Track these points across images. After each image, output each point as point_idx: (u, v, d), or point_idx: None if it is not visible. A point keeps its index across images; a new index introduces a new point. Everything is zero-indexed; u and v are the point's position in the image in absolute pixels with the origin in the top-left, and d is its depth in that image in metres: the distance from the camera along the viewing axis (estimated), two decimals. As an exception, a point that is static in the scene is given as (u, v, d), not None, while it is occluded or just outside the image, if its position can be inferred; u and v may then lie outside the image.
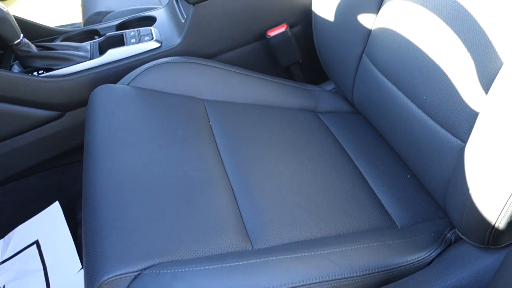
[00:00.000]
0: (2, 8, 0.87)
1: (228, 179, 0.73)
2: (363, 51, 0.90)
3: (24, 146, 0.97)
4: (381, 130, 0.91)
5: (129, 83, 0.89)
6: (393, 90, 0.82)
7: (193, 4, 0.95)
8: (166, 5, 1.14)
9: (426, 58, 0.73)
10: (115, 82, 0.94)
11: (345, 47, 0.93)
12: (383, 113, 0.88)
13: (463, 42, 0.66)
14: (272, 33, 1.02)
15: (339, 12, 0.92)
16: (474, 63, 0.65)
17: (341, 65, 0.97)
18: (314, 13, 0.98)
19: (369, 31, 0.87)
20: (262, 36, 1.03)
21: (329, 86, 1.10)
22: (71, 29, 1.13)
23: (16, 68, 0.96)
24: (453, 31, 0.68)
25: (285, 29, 1.02)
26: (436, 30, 0.71)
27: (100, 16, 1.22)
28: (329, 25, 0.95)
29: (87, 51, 0.99)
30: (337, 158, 0.86)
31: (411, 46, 0.76)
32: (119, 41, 1.01)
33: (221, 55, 1.02)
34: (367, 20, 0.87)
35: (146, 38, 1.00)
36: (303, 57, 1.08)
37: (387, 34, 0.82)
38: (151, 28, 1.04)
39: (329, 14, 0.94)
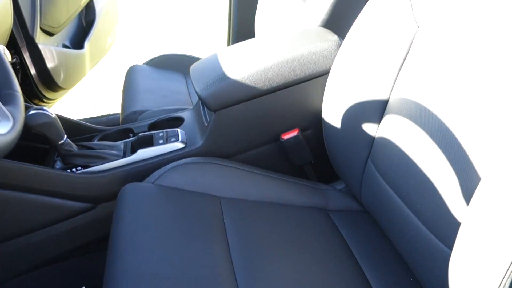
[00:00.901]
0: (50, 115, 1.01)
1: (235, 277, 0.80)
2: (368, 156, 0.98)
3: (58, 234, 1.07)
4: (385, 230, 0.97)
5: (154, 181, 0.99)
6: (393, 195, 0.89)
7: (214, 111, 1.07)
8: (193, 107, 1.27)
9: (418, 170, 0.80)
10: (143, 178, 1.04)
11: (352, 151, 1.02)
12: (385, 214, 0.94)
13: (448, 159, 0.74)
14: (286, 136, 1.12)
15: (345, 119, 1.02)
16: (457, 178, 0.72)
17: (349, 167, 1.05)
18: (324, 119, 1.08)
19: (373, 138, 0.96)
20: (276, 139, 1.13)
21: (340, 185, 1.17)
22: (109, 127, 1.27)
23: (58, 164, 1.09)
24: (440, 149, 0.75)
25: (297, 133, 1.12)
26: (426, 146, 0.79)
27: (136, 114, 1.36)
28: (337, 131, 1.05)
29: (120, 150, 1.12)
30: (342, 259, 0.91)
31: (407, 157, 0.84)
32: (148, 141, 1.13)
33: (238, 155, 1.13)
34: (370, 128, 0.95)
35: (172, 139, 1.12)
36: (315, 158, 1.17)
37: (388, 144, 0.90)
38: (178, 129, 1.16)
39: (337, 120, 1.03)
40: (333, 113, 1.05)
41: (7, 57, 1.11)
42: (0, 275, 1.10)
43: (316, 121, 1.13)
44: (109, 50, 2.51)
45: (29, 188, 1.01)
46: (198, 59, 1.77)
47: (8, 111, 0.71)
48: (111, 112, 2.67)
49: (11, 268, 1.09)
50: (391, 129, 0.90)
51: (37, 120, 0.98)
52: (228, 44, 1.90)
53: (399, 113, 0.88)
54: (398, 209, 0.87)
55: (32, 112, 0.98)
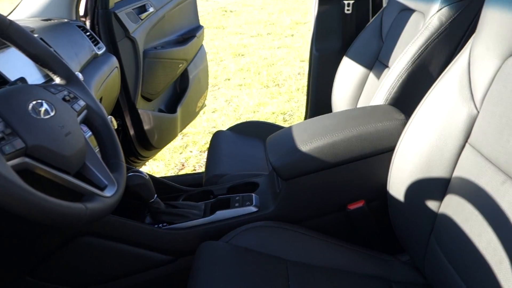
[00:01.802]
0: (145, 177, 1.18)
1: None
2: (431, 232, 1.02)
3: (141, 283, 1.20)
4: None
5: (228, 241, 1.10)
6: (454, 274, 0.91)
7: (285, 180, 1.18)
8: (268, 174, 1.39)
9: (480, 252, 0.83)
10: (219, 237, 1.16)
11: (415, 226, 1.06)
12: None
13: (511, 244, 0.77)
14: (352, 206, 1.19)
15: (409, 194, 1.07)
16: None
17: (413, 241, 1.09)
18: (389, 193, 1.14)
19: (435, 215, 1.00)
20: (343, 208, 1.20)
21: (404, 257, 1.20)
22: (193, 189, 1.42)
23: (148, 219, 1.25)
24: (504, 233, 0.79)
25: (363, 204, 1.18)
26: (488, 229, 0.82)
27: (217, 178, 1.51)
28: (402, 205, 1.10)
29: (201, 210, 1.25)
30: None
31: (468, 238, 0.87)
32: (226, 204, 1.25)
33: (306, 221, 1.21)
34: (433, 205, 1.00)
35: (247, 203, 1.24)
36: (380, 228, 1.22)
37: (450, 222, 0.94)
38: (253, 194, 1.28)
39: (402, 195, 1.09)
40: (397, 188, 1.11)
41: (114, 125, 1.31)
42: None
43: (381, 194, 1.19)
44: (198, 114, 2.75)
45: (121, 239, 1.16)
46: (277, 126, 1.91)
47: (114, 177, 0.86)
48: (197, 171, 2.88)
49: None
50: (453, 208, 0.94)
51: (134, 181, 1.15)
52: (306, 118, 2.03)
53: (460, 193, 0.92)
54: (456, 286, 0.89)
55: (130, 174, 1.15)
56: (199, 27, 2.61)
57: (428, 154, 1.02)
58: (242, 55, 5.69)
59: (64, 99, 0.86)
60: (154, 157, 2.92)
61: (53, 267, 1.17)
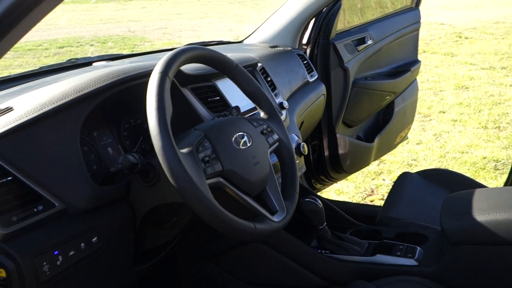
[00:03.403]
0: (319, 205, 1.31)
1: None
2: None
3: None
4: None
5: (380, 286, 1.16)
6: None
7: (452, 244, 1.16)
8: (440, 231, 1.37)
9: None
10: (371, 279, 1.21)
11: None
12: None
13: None
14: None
15: None
16: None
17: None
18: None
19: None
20: (510, 290, 1.13)
21: None
22: (363, 225, 1.49)
23: (314, 243, 1.38)
24: None
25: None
26: None
27: (390, 219, 1.54)
28: None
29: (363, 248, 1.32)
30: None
31: None
32: (389, 249, 1.30)
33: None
34: None
35: (409, 255, 1.26)
36: None
37: None
38: (418, 248, 1.29)
39: None
40: None
41: (305, 151, 1.48)
42: None
43: None
44: (397, 147, 2.76)
45: (287, 254, 1.33)
46: (471, 181, 1.82)
47: (285, 205, 1.02)
48: (375, 203, 2.89)
49: None
50: None
51: (308, 206, 1.29)
52: (506, 184, 1.88)
53: None
54: None
55: (306, 199, 1.30)
56: (415, 62, 2.61)
57: None
58: (465, 88, 5.34)
59: (262, 132, 1.05)
60: (347, 178, 3.03)
61: (229, 259, 1.40)
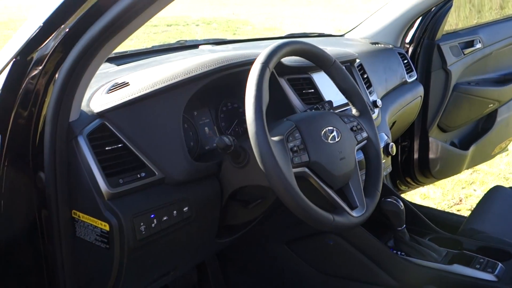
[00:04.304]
0: (400, 206, 1.31)
1: None
2: None
3: None
4: None
5: None
6: None
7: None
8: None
9: None
10: (445, 285, 1.20)
11: None
12: None
13: None
14: None
15: None
16: None
17: None
18: None
19: None
20: None
21: None
22: (444, 233, 1.46)
23: (391, 243, 1.39)
24: None
25: None
26: None
27: (474, 232, 1.49)
28: None
29: (440, 256, 1.31)
30: None
31: None
32: (468, 260, 1.26)
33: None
34: None
35: (489, 270, 1.22)
36: None
37: None
38: (500, 263, 1.24)
39: None
40: None
41: (393, 151, 1.48)
42: None
43: None
44: (494, 158, 2.62)
45: (362, 250, 1.35)
46: None
47: (366, 202, 1.04)
48: (462, 213, 2.77)
49: None
50: None
51: (389, 207, 1.30)
52: None
53: None
54: None
55: (388, 199, 1.30)
56: (527, 70, 2.44)
57: None
58: None
59: (351, 129, 1.08)
60: (435, 184, 2.93)
61: (305, 247, 1.46)
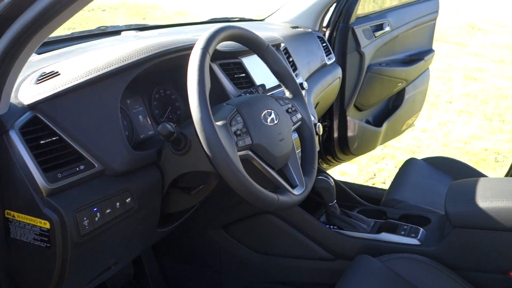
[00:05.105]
0: (331, 183, 1.38)
1: None
2: None
3: (298, 266, 1.43)
4: None
5: (383, 261, 1.24)
6: None
7: (454, 227, 1.25)
8: (442, 215, 1.45)
9: None
10: (375, 254, 1.29)
11: None
12: None
13: None
14: (515, 275, 1.19)
15: None
16: None
17: None
18: None
19: None
20: (504, 272, 1.22)
21: None
22: (370, 205, 1.57)
23: (323, 218, 1.46)
24: None
25: (527, 278, 1.18)
26: None
27: (395, 202, 1.62)
28: None
29: (369, 226, 1.41)
30: None
31: None
32: (393, 228, 1.38)
33: (462, 272, 1.25)
34: None
35: (412, 235, 1.35)
36: None
37: None
38: (421, 229, 1.37)
39: None
40: None
41: (320, 131, 1.55)
42: (256, 278, 1.53)
43: None
44: (403, 133, 2.83)
45: (297, 227, 1.41)
46: (474, 170, 1.90)
47: (305, 180, 1.09)
48: (386, 184, 2.98)
49: (259, 275, 1.52)
50: None
51: (320, 184, 1.37)
52: (507, 174, 1.95)
53: None
54: None
55: (320, 177, 1.37)
56: (429, 51, 2.65)
57: None
58: (474, 79, 5.38)
59: (287, 110, 1.12)
60: (351, 160, 3.11)
61: (241, 229, 1.49)
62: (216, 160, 0.88)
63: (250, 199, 0.93)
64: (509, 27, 8.40)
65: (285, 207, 1.00)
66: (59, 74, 0.97)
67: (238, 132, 0.96)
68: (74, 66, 0.99)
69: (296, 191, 1.05)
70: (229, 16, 2.05)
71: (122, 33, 1.56)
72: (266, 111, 1.04)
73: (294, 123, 1.13)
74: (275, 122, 1.05)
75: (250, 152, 0.98)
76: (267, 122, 1.03)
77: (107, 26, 1.62)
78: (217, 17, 2.07)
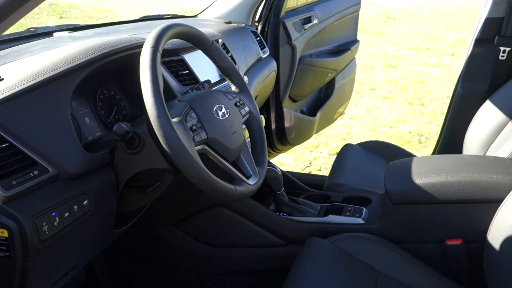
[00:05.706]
0: (278, 171, 1.44)
1: None
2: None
3: (252, 255, 1.48)
4: None
5: (333, 242, 1.32)
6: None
7: (395, 204, 1.35)
8: (382, 194, 1.55)
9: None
10: (325, 236, 1.37)
11: (508, 274, 1.15)
12: None
13: None
14: (450, 242, 1.31)
15: (508, 245, 1.16)
16: None
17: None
18: (488, 239, 1.24)
19: None
20: (441, 241, 1.33)
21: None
22: (315, 191, 1.65)
23: (272, 206, 1.51)
24: None
25: (461, 243, 1.30)
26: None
27: (337, 186, 1.72)
28: (498, 253, 1.19)
29: (316, 210, 1.48)
30: None
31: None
32: (339, 210, 1.46)
33: (405, 244, 1.36)
34: None
35: (357, 215, 1.44)
36: (472, 268, 1.32)
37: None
38: (364, 208, 1.47)
39: (500, 244, 1.18)
40: (497, 237, 1.20)
41: (263, 123, 1.59)
42: (211, 270, 1.56)
43: (481, 238, 1.29)
44: (335, 121, 2.96)
45: (248, 216, 1.45)
46: (405, 152, 2.04)
47: (258, 170, 1.13)
48: (322, 171, 3.10)
49: (214, 268, 1.54)
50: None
51: (268, 174, 1.42)
52: (435, 151, 2.12)
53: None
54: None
55: (267, 167, 1.42)
56: (355, 41, 2.79)
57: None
58: (393, 66, 5.70)
59: (235, 104, 1.15)
60: (287, 151, 3.20)
61: (193, 224, 1.50)
62: (176, 156, 0.90)
63: (211, 192, 0.96)
64: (420, 16, 8.97)
65: (242, 197, 1.03)
66: (2, 79, 0.93)
67: (194, 127, 0.98)
68: (18, 70, 0.96)
69: (251, 181, 1.08)
70: (161, 14, 2.03)
71: (55, 34, 1.51)
72: (217, 105, 1.07)
73: (243, 116, 1.17)
74: (226, 116, 1.08)
75: (206, 146, 1.00)
76: (219, 116, 1.06)
77: (37, 28, 1.56)
78: (148, 14, 2.05)
